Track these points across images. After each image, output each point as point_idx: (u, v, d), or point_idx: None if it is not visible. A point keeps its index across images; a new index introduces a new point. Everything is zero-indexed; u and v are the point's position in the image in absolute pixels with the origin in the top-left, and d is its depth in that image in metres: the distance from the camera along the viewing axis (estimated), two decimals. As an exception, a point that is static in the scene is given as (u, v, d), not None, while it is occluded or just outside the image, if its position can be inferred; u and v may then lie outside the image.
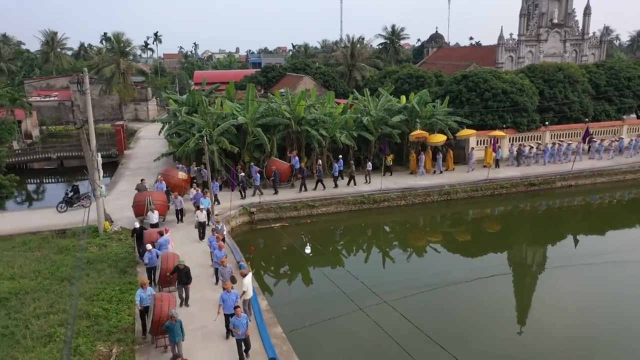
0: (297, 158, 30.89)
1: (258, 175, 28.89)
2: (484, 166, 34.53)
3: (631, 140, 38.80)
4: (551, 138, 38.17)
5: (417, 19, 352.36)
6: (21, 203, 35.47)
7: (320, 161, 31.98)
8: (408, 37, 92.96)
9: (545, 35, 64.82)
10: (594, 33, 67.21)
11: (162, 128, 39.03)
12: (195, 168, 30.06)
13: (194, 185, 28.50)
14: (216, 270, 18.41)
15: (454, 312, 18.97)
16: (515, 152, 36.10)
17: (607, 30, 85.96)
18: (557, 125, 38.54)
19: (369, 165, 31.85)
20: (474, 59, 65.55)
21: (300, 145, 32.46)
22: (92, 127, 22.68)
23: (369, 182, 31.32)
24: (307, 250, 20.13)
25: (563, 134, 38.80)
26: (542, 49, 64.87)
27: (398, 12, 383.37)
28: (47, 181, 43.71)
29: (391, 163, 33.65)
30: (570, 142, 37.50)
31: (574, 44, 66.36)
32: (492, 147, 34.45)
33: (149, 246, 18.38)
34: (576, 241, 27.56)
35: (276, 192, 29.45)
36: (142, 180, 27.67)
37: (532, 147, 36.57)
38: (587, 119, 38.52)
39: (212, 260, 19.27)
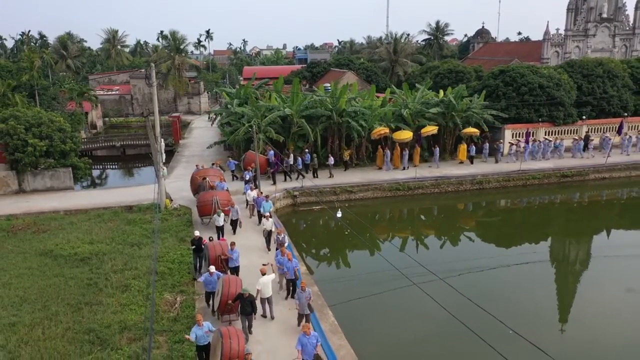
0: (272, 152, 31.91)
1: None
2: (460, 163, 35.29)
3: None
4: (588, 132, 38.74)
5: (467, 14, 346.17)
6: (91, 184, 39.60)
7: (292, 155, 32.80)
8: (452, 33, 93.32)
9: (593, 30, 64.08)
10: (645, 27, 65.78)
11: (215, 119, 42.34)
12: (216, 167, 31.98)
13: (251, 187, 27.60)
14: (287, 282, 17.51)
15: (500, 294, 19.56)
16: (487, 149, 35.56)
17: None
18: (595, 119, 39.08)
19: (331, 160, 32.88)
20: (519, 54, 65.35)
21: (341, 136, 34.77)
22: (157, 115, 25.87)
23: (332, 176, 32.20)
24: (339, 214, 22.42)
25: (600, 128, 39.28)
26: (589, 44, 64.11)
27: (448, 7, 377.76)
28: (110, 167, 48.05)
29: (348, 158, 34.35)
30: (551, 139, 37.04)
31: (623, 39, 65.26)
32: (525, 139, 35.64)
33: (212, 268, 16.54)
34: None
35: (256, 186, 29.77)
36: (203, 179, 26.41)
37: (512, 144, 36.10)
38: (626, 114, 38.84)
39: (277, 274, 17.49)
